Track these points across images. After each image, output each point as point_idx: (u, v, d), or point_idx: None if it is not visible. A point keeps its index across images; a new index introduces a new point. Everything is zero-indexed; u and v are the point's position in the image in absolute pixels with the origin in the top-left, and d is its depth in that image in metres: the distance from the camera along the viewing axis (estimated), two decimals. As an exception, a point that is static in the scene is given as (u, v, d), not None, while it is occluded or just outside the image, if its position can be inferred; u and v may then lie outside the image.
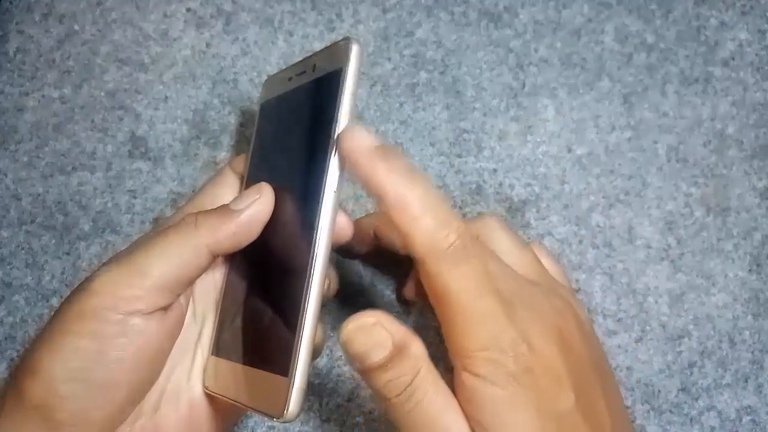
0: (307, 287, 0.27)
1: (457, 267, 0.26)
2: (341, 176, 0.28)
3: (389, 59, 0.41)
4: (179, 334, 0.31)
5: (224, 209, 0.30)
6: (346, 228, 0.30)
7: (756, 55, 0.41)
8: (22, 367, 0.29)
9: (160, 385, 0.31)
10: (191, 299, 0.32)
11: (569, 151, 0.40)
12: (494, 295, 0.27)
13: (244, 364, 0.30)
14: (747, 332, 0.38)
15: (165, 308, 0.29)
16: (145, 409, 0.30)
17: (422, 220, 0.26)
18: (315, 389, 0.38)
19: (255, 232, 0.30)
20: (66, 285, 0.39)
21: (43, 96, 0.41)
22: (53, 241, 0.40)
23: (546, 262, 0.34)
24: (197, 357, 0.32)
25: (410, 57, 0.41)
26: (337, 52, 0.29)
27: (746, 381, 0.38)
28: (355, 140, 0.27)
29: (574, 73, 0.40)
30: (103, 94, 0.41)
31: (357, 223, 0.31)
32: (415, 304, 0.38)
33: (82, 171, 0.40)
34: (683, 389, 0.38)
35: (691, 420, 0.38)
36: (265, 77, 0.37)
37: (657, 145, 0.40)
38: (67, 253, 0.39)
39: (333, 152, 0.28)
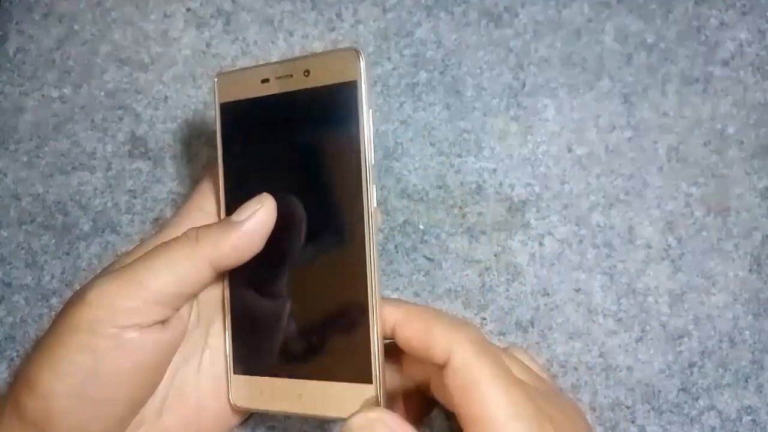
0: (371, 292, 0.28)
1: (481, 354, 0.26)
2: (375, 182, 0.28)
3: (389, 59, 0.41)
4: (180, 345, 0.30)
5: (226, 222, 0.29)
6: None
7: (756, 55, 0.41)
8: (19, 381, 0.28)
9: (162, 391, 0.30)
10: (195, 304, 0.31)
11: (569, 150, 0.40)
12: (520, 386, 0.26)
13: (308, 378, 0.29)
14: (747, 332, 0.38)
15: (163, 322, 0.29)
16: (148, 415, 0.30)
17: (439, 320, 0.28)
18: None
19: (258, 244, 0.29)
20: (66, 285, 0.39)
21: (43, 96, 0.41)
22: (53, 241, 0.40)
23: (532, 366, 0.34)
24: (204, 360, 0.32)
25: (410, 57, 0.41)
26: (344, 61, 0.28)
27: (747, 381, 0.38)
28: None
29: (574, 73, 0.40)
30: (103, 94, 0.41)
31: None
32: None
33: (82, 171, 0.40)
34: (683, 389, 0.38)
35: (691, 420, 0.38)
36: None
37: (657, 145, 0.40)
38: (67, 253, 0.39)
39: (368, 179, 0.28)
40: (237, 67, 0.33)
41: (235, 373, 0.32)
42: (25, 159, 0.40)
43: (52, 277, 0.39)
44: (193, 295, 0.30)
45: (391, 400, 0.30)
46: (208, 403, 0.31)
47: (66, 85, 0.41)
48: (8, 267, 0.39)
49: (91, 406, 0.27)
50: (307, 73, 0.30)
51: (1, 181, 0.40)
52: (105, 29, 0.41)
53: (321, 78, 0.29)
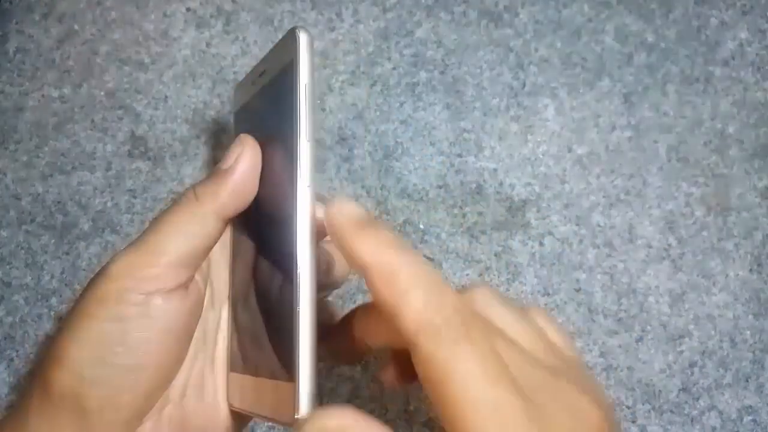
0: (296, 286, 0.27)
1: (457, 345, 0.22)
2: (312, 174, 0.27)
3: (389, 59, 0.41)
4: (200, 313, 0.31)
5: (216, 173, 0.30)
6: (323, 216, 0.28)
7: (756, 54, 0.41)
8: (47, 358, 0.29)
9: (185, 371, 0.31)
10: (209, 284, 0.32)
11: (570, 150, 0.40)
12: (510, 383, 0.22)
13: (256, 375, 0.29)
14: (748, 332, 0.38)
15: (185, 286, 0.29)
16: (172, 395, 0.30)
17: (412, 292, 0.23)
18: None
19: (253, 185, 0.30)
20: (66, 285, 0.39)
21: (43, 96, 0.41)
22: (53, 241, 0.40)
23: (549, 329, 0.30)
24: (219, 345, 0.32)
25: (410, 57, 0.41)
26: (286, 44, 0.29)
27: (747, 381, 0.38)
28: (339, 213, 0.25)
29: (575, 73, 0.40)
30: (103, 93, 0.41)
31: (343, 326, 0.29)
32: (395, 389, 0.34)
33: (82, 171, 0.40)
34: (684, 389, 0.38)
35: (692, 420, 0.38)
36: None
37: (657, 145, 0.40)
38: (67, 253, 0.39)
39: (298, 153, 0.27)
40: (245, 76, 0.34)
41: (229, 370, 0.32)
42: (25, 159, 0.40)
43: (52, 277, 0.39)
44: (207, 251, 0.30)
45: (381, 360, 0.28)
46: (224, 390, 0.32)
47: (66, 85, 0.41)
48: (8, 267, 0.39)
49: (121, 374, 0.28)
50: (273, 63, 0.30)
51: (1, 181, 0.40)
52: (105, 29, 0.41)
53: (275, 66, 0.30)
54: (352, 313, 0.29)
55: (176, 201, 0.30)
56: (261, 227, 0.30)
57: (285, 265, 0.28)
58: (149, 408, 0.29)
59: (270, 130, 0.30)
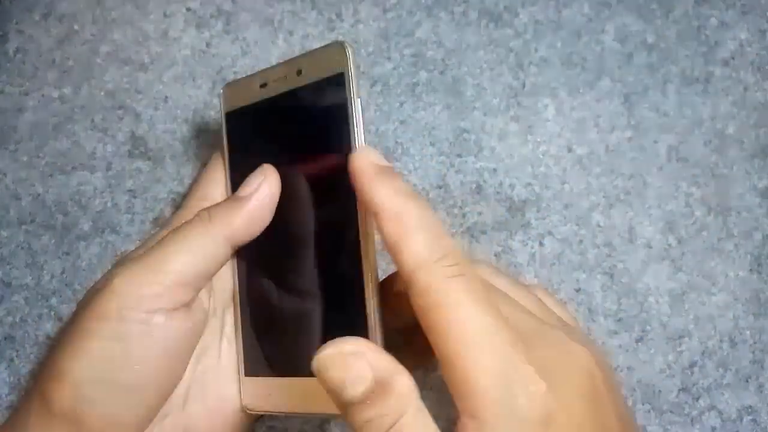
0: (367, 283, 0.27)
1: (451, 278, 0.23)
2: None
3: (389, 59, 0.41)
4: (203, 330, 0.31)
5: (234, 198, 0.30)
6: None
7: (756, 54, 0.41)
8: (45, 374, 0.28)
9: (186, 381, 0.30)
10: (210, 293, 0.32)
11: (569, 150, 0.40)
12: (499, 316, 0.23)
13: (294, 375, 0.29)
14: (748, 332, 0.38)
15: (187, 305, 0.29)
16: (173, 405, 0.30)
17: (415, 234, 0.24)
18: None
19: (268, 215, 0.30)
20: (66, 285, 0.39)
21: (43, 96, 0.41)
22: (53, 241, 0.40)
23: (549, 301, 0.32)
24: (223, 351, 0.32)
25: (410, 57, 0.41)
26: (331, 55, 0.29)
27: (747, 381, 0.38)
28: (361, 158, 0.26)
29: (575, 73, 0.40)
30: (103, 94, 0.41)
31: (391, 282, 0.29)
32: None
33: (82, 171, 0.40)
34: (684, 389, 0.38)
35: (691, 420, 0.38)
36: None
37: (657, 145, 0.40)
38: (67, 253, 0.39)
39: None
40: (240, 77, 0.34)
41: (245, 375, 0.32)
42: (25, 159, 0.40)
43: (52, 277, 0.39)
44: (212, 274, 0.30)
45: (391, 339, 0.28)
46: (230, 393, 0.31)
47: (66, 85, 0.41)
48: (8, 267, 0.39)
49: (122, 393, 0.28)
50: (299, 72, 0.31)
51: (1, 181, 0.40)
52: (105, 29, 0.41)
53: (312, 74, 0.30)
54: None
55: (189, 221, 0.30)
56: (292, 230, 0.30)
57: (344, 259, 0.28)
58: (149, 422, 0.29)
59: (300, 136, 0.30)
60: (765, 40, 0.41)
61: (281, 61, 0.32)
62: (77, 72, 0.41)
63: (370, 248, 0.28)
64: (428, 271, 0.24)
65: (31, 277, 0.39)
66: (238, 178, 0.32)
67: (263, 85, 0.32)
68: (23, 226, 0.40)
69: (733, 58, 0.41)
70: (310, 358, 0.27)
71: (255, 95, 0.32)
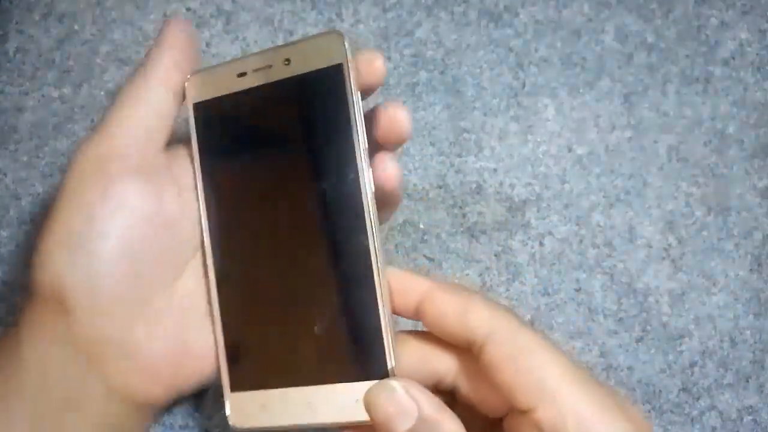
0: (377, 279, 0.26)
1: (532, 335, 0.26)
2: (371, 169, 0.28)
3: (389, 59, 0.41)
4: (173, 202, 0.30)
5: (153, 45, 0.30)
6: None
7: (756, 54, 0.41)
8: (32, 268, 0.29)
9: (185, 288, 0.30)
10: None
11: (569, 150, 0.40)
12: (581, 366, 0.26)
13: (315, 383, 0.28)
14: (748, 332, 0.38)
15: (148, 167, 0.29)
16: (174, 309, 0.30)
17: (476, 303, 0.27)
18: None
19: (185, 44, 0.30)
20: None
21: (43, 96, 0.41)
22: (53, 241, 0.40)
23: None
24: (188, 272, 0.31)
25: (410, 57, 0.41)
26: (326, 45, 0.28)
27: (747, 381, 0.38)
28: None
29: (575, 73, 0.40)
30: (103, 94, 0.41)
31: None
32: None
33: (82, 171, 0.40)
34: (684, 389, 0.38)
35: (692, 420, 0.38)
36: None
37: (657, 145, 0.40)
38: (67, 253, 0.39)
39: (362, 161, 0.27)
40: (210, 65, 0.31)
41: (232, 390, 0.29)
42: (25, 159, 0.40)
43: (52, 277, 0.39)
44: (164, 127, 0.30)
45: None
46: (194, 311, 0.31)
47: (66, 85, 0.41)
48: (8, 267, 0.39)
49: (96, 264, 0.28)
50: (287, 61, 0.29)
51: (1, 181, 0.40)
52: (105, 29, 0.41)
53: (303, 65, 0.28)
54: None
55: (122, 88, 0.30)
56: (287, 239, 0.29)
57: (352, 256, 0.27)
58: (135, 308, 0.28)
59: (289, 131, 0.29)
60: (765, 40, 0.41)
61: (261, 50, 0.30)
62: (77, 72, 0.41)
63: (381, 257, 0.27)
64: (509, 321, 0.26)
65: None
66: (212, 175, 0.31)
67: (241, 75, 0.30)
68: (23, 226, 0.40)
69: (733, 58, 0.41)
70: (315, 365, 0.27)
71: (232, 85, 0.30)
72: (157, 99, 0.29)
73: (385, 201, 0.29)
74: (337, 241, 0.28)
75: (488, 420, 0.27)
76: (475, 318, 0.26)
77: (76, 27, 0.41)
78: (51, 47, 0.41)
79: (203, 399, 0.38)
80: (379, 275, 0.27)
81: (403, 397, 0.25)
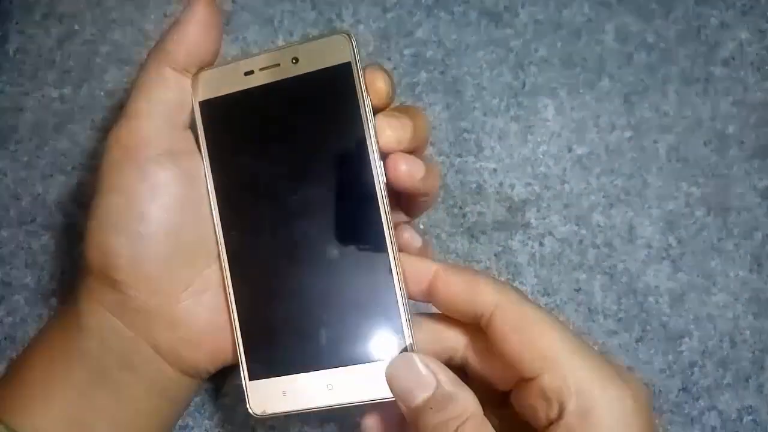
0: (394, 265, 0.28)
1: (537, 307, 0.27)
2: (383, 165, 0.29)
3: (389, 59, 0.41)
4: (201, 187, 0.32)
5: (174, 26, 0.31)
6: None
7: (756, 54, 0.41)
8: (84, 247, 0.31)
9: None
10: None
11: (569, 150, 0.40)
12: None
13: (335, 366, 0.29)
14: (748, 332, 0.38)
15: (175, 149, 0.31)
16: (212, 283, 0.31)
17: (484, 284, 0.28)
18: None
19: (202, 36, 0.31)
20: (66, 285, 0.39)
21: (43, 96, 0.41)
22: (53, 241, 0.40)
23: None
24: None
25: (410, 57, 0.41)
26: (334, 45, 0.29)
27: (747, 381, 0.38)
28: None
29: (575, 73, 0.40)
30: (103, 94, 0.41)
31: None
32: None
33: (82, 171, 0.40)
34: (684, 389, 0.38)
35: (692, 420, 0.38)
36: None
37: (657, 145, 0.40)
38: (67, 253, 0.39)
39: (375, 154, 0.29)
40: (216, 65, 0.32)
41: (251, 379, 0.30)
42: (25, 159, 0.40)
43: (52, 277, 0.39)
44: (181, 106, 0.31)
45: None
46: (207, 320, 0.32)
47: (66, 85, 0.41)
48: (8, 267, 0.39)
49: (137, 241, 0.30)
50: (295, 60, 0.30)
51: (1, 181, 0.40)
52: (105, 29, 0.41)
53: (312, 63, 0.29)
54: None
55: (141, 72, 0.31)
56: (303, 239, 0.30)
57: (366, 245, 0.29)
58: (179, 283, 0.31)
59: (298, 128, 0.30)
60: (765, 40, 0.41)
61: (267, 49, 0.32)
62: (77, 72, 0.41)
63: (395, 241, 0.29)
64: (516, 294, 0.28)
65: (31, 277, 0.39)
66: (222, 173, 0.31)
67: (249, 73, 0.30)
68: (23, 226, 0.40)
69: (733, 58, 0.41)
70: (334, 348, 0.29)
71: (239, 83, 0.31)
72: (178, 83, 0.31)
73: (410, 197, 0.31)
74: (352, 228, 0.29)
75: (497, 395, 0.29)
76: (482, 294, 0.27)
77: (76, 27, 0.41)
78: (51, 47, 0.41)
79: (202, 399, 0.38)
80: (394, 257, 0.28)
81: (422, 370, 0.27)
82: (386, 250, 0.29)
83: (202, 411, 0.38)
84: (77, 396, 0.30)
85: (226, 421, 0.38)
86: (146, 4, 0.41)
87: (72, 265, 0.39)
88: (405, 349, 0.28)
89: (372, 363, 0.28)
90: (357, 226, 0.29)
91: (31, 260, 0.39)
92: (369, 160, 0.29)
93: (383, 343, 0.28)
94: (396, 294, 0.28)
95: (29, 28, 0.41)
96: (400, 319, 0.28)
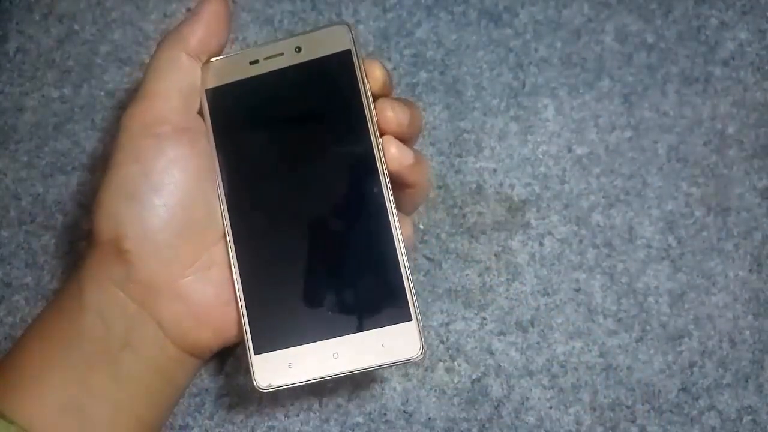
0: (397, 242, 0.30)
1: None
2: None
3: (389, 59, 0.41)
4: (212, 165, 0.33)
5: (190, 16, 0.33)
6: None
7: (756, 54, 0.41)
8: (93, 218, 0.32)
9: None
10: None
11: (569, 150, 0.40)
12: None
13: (341, 334, 0.30)
14: (747, 332, 0.38)
15: (190, 127, 0.32)
16: (218, 258, 0.32)
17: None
18: (315, 389, 0.38)
19: (215, 21, 0.33)
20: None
21: (43, 96, 0.41)
22: (53, 241, 0.40)
23: None
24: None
25: (410, 57, 0.41)
26: (334, 34, 0.31)
27: (747, 381, 0.38)
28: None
29: (574, 73, 0.40)
30: (103, 94, 0.41)
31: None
32: None
33: (82, 171, 0.40)
34: (684, 389, 0.38)
35: (691, 420, 0.38)
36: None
37: (657, 145, 0.40)
38: (67, 253, 0.39)
39: (376, 136, 0.31)
40: (223, 55, 0.34)
41: (256, 353, 0.31)
42: (25, 159, 0.40)
43: (52, 277, 0.39)
44: (194, 88, 0.33)
45: None
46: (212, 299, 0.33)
47: (66, 85, 0.41)
48: (8, 267, 0.39)
49: (150, 212, 0.31)
50: (298, 49, 0.32)
51: (1, 181, 0.40)
52: (105, 29, 0.41)
53: (313, 52, 0.32)
54: None
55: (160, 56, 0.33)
56: (309, 220, 0.31)
57: (371, 225, 0.30)
58: (187, 257, 0.31)
59: (303, 111, 0.32)
60: (765, 40, 0.41)
61: (271, 39, 0.33)
62: (77, 72, 0.41)
63: (396, 212, 0.30)
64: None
65: (31, 277, 0.39)
66: (228, 153, 0.33)
67: (254, 62, 0.32)
68: (23, 226, 0.40)
69: (733, 58, 0.41)
70: (339, 317, 0.30)
71: (244, 71, 0.33)
72: (192, 67, 0.32)
73: (397, 186, 0.32)
74: (354, 202, 0.31)
75: None
76: None
77: (76, 27, 0.41)
78: (51, 47, 0.41)
79: (203, 399, 0.38)
80: (397, 228, 0.30)
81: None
82: (388, 222, 0.30)
83: (202, 411, 0.38)
84: (75, 379, 0.30)
85: (226, 421, 0.38)
86: (146, 4, 0.41)
87: (72, 265, 0.39)
88: (410, 317, 0.29)
89: (377, 329, 0.29)
90: (359, 200, 0.31)
91: (31, 260, 0.39)
92: (369, 138, 0.30)
93: (387, 309, 0.29)
94: (399, 262, 0.30)
95: (29, 28, 0.41)
96: (403, 285, 0.29)
